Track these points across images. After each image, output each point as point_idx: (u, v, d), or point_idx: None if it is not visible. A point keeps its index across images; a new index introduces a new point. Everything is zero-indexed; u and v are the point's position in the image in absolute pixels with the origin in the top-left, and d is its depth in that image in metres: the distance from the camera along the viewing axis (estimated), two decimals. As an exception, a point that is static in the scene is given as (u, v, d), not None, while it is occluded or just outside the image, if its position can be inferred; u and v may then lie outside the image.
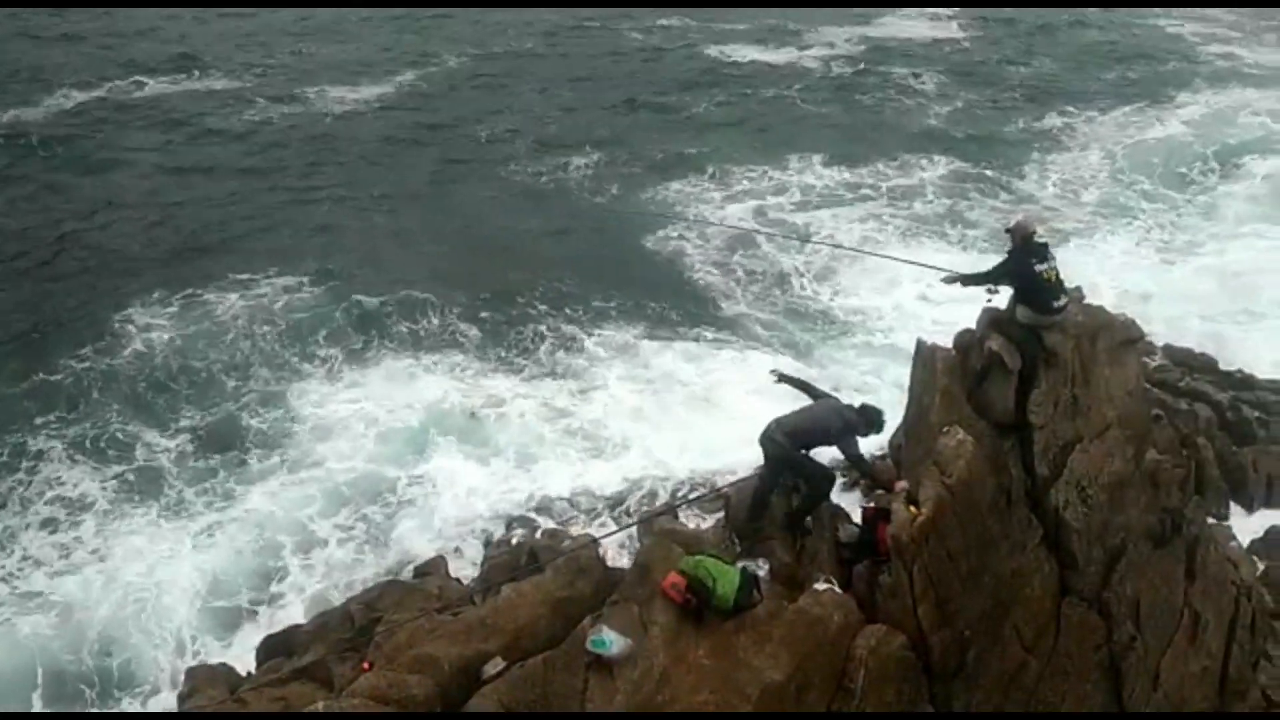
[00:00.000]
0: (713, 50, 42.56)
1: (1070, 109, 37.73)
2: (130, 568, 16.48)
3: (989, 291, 11.12)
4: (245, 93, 36.67)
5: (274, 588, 16.54)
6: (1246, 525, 17.77)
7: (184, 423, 19.97)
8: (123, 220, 27.14)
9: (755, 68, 41.49)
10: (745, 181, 31.85)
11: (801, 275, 26.15)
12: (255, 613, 16.09)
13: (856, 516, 10.91)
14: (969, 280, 11.30)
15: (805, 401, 10.83)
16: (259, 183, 29.85)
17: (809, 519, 10.52)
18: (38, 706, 14.36)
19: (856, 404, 10.63)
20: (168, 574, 16.36)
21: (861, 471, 10.90)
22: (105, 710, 14.49)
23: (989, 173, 32.81)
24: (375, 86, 37.57)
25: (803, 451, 10.39)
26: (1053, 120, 36.84)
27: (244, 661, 14.06)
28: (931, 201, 30.87)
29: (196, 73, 38.39)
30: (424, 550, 17.16)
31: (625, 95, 38.27)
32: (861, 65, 41.99)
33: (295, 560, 17.01)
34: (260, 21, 46.69)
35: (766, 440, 10.36)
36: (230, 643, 15.43)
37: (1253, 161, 33.39)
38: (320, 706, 9.25)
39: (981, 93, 39.94)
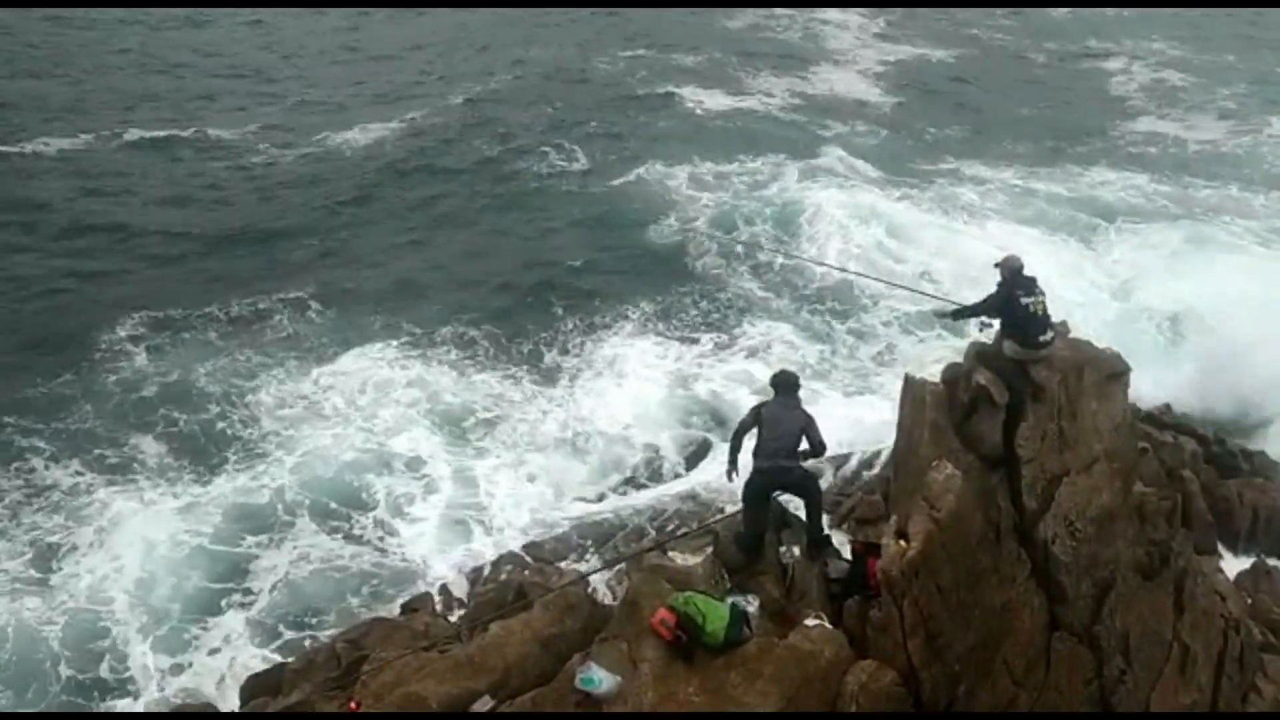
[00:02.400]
0: (671, 84, 43.65)
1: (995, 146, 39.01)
2: (109, 567, 16.50)
3: (982, 326, 11.23)
4: (248, 126, 36.43)
5: (253, 582, 16.55)
6: (1234, 558, 17.81)
7: (170, 428, 19.93)
8: (123, 248, 27.00)
9: (710, 96, 42.69)
10: (723, 169, 33.34)
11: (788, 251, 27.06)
12: (229, 611, 16.09)
13: (846, 552, 10.90)
14: (960, 314, 11.45)
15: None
16: (264, 213, 29.66)
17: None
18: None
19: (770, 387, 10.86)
20: (143, 572, 16.42)
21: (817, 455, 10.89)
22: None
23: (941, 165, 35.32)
24: (377, 121, 37.50)
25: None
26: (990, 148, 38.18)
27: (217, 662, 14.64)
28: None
29: (195, 106, 38.42)
30: (407, 556, 17.30)
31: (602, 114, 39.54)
32: (798, 100, 43.44)
33: (270, 558, 17.05)
34: (273, 54, 46.93)
35: (781, 473, 10.23)
36: (202, 641, 15.46)
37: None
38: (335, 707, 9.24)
39: (925, 121, 41.58)
